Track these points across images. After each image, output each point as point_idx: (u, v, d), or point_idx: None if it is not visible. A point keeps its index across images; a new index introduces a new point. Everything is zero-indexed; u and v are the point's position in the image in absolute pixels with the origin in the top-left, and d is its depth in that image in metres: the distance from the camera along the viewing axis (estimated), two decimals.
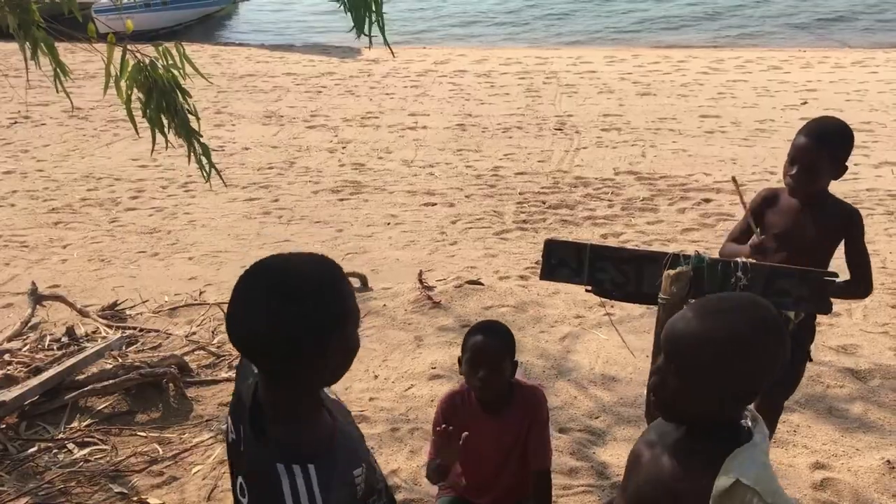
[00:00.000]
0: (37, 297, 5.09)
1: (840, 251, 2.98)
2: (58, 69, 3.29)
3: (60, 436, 3.82)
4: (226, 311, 1.44)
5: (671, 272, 2.71)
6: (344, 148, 9.45)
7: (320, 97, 12.21)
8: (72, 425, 3.92)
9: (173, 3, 19.01)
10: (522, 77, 13.07)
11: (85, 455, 3.70)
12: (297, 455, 1.39)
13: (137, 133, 3.52)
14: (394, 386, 4.28)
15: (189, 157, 3.58)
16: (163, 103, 3.32)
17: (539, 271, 2.97)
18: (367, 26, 2.95)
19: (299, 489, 1.36)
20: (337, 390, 1.58)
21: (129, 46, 3.30)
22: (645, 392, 3.21)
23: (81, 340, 4.70)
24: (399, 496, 3.36)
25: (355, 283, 5.48)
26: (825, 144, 2.79)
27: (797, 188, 2.85)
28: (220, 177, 3.75)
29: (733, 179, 3.17)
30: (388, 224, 6.97)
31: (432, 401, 4.09)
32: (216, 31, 20.79)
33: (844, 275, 2.95)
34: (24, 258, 6.42)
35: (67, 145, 9.91)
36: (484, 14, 21.04)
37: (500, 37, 18.40)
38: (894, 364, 4.33)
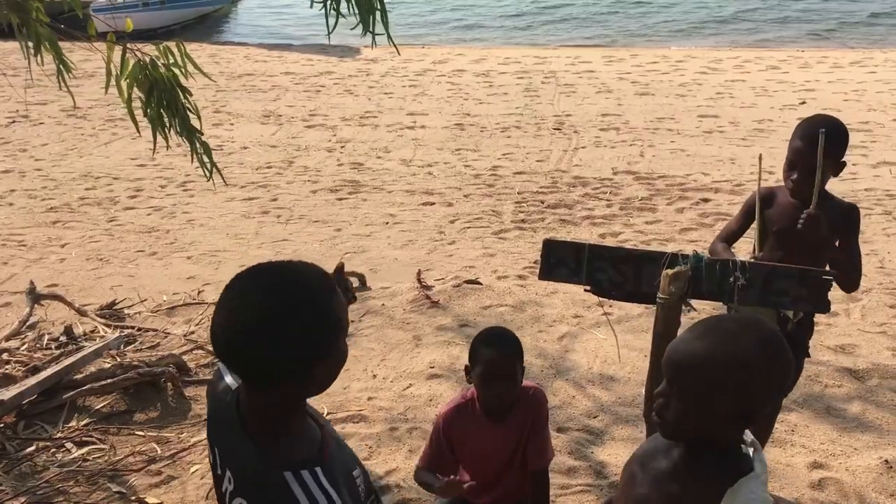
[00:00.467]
0: (35, 297, 5.08)
1: None
2: (61, 66, 3.28)
3: (58, 435, 3.82)
4: (214, 314, 1.38)
5: (669, 272, 2.71)
6: (342, 147, 9.45)
7: (319, 96, 12.20)
8: (70, 424, 3.92)
9: (171, 2, 18.99)
10: (521, 77, 13.07)
11: (83, 454, 3.70)
12: (300, 462, 1.37)
13: (139, 132, 3.51)
14: (392, 385, 4.28)
15: (191, 155, 3.57)
16: (164, 102, 3.31)
17: (538, 271, 2.98)
18: (371, 24, 2.96)
19: (314, 493, 1.33)
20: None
21: (128, 45, 3.29)
22: (643, 392, 3.21)
23: (80, 339, 4.70)
24: (398, 496, 3.37)
25: (354, 282, 5.48)
26: (826, 147, 2.79)
27: (800, 191, 2.85)
28: (221, 175, 3.75)
29: (759, 158, 3.10)
30: (387, 223, 6.97)
31: (431, 400, 4.10)
32: (214, 30, 20.77)
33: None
34: (22, 257, 6.41)
35: (66, 144, 9.90)
36: (483, 14, 21.04)
37: (499, 36, 18.40)
38: (892, 364, 4.33)
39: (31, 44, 3.17)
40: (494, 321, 4.94)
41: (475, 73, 13.45)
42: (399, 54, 3.40)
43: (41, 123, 10.93)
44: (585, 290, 2.94)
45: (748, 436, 1.60)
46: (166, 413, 4.07)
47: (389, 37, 3.05)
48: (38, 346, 4.63)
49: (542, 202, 7.28)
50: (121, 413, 4.06)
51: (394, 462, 3.59)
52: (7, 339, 4.68)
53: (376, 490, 1.64)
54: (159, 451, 3.73)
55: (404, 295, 5.35)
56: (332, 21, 2.97)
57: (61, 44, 3.31)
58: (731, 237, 3.10)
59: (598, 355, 4.51)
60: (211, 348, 4.64)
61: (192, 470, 3.60)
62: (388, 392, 4.21)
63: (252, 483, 1.38)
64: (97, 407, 4.07)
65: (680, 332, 2.75)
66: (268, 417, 1.41)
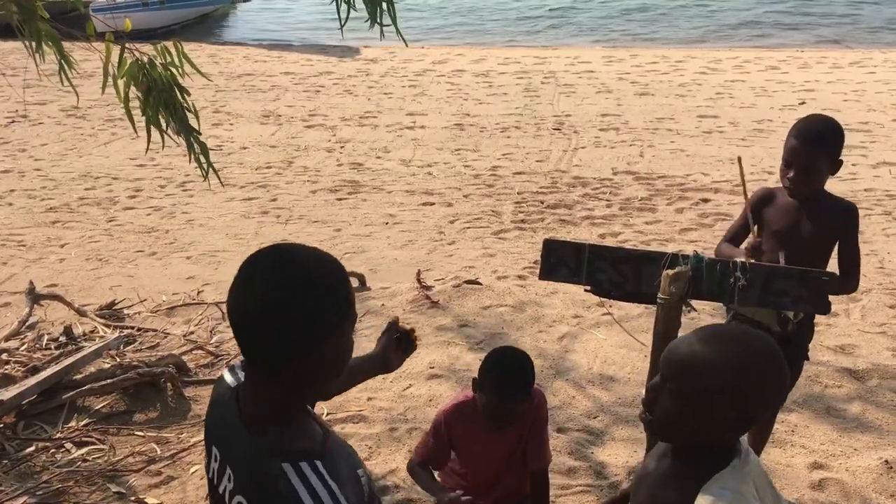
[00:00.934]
0: (34, 297, 5.08)
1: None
2: (63, 63, 3.27)
3: (58, 435, 3.82)
4: (233, 284, 1.36)
5: (670, 272, 2.71)
6: (342, 147, 9.45)
7: (318, 96, 12.20)
8: (69, 425, 3.91)
9: (171, 2, 18.98)
10: (521, 77, 13.07)
11: (83, 455, 3.70)
12: (299, 453, 1.34)
13: (136, 132, 3.51)
14: (392, 385, 4.27)
15: (189, 155, 3.57)
16: (162, 101, 3.31)
17: (537, 271, 2.98)
18: (378, 16, 2.96)
19: (313, 484, 1.30)
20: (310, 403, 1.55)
21: (126, 45, 3.29)
22: (643, 392, 3.22)
23: (79, 340, 4.70)
24: (398, 496, 3.36)
25: (354, 282, 5.48)
26: (820, 145, 2.79)
27: (797, 190, 2.85)
28: (218, 176, 3.74)
29: (739, 160, 3.14)
30: (387, 224, 6.97)
31: (431, 400, 4.10)
32: (214, 30, 20.77)
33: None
34: (21, 257, 6.41)
35: (65, 144, 9.89)
36: (483, 14, 21.04)
37: (499, 36, 18.39)
38: (892, 364, 4.33)
39: (32, 42, 3.16)
40: (494, 321, 4.94)
41: (475, 74, 13.45)
42: (406, 45, 3.41)
43: (40, 123, 10.92)
44: (585, 291, 2.94)
45: (742, 443, 1.60)
46: (166, 413, 4.07)
47: (397, 29, 3.05)
48: (37, 346, 4.63)
49: (542, 202, 7.28)
50: (120, 413, 4.06)
51: (394, 462, 3.59)
52: (6, 339, 4.67)
53: (378, 497, 1.63)
54: (159, 452, 3.73)
55: (404, 295, 5.35)
56: (342, 16, 2.97)
57: (62, 44, 3.31)
58: (734, 238, 3.10)
59: (598, 355, 4.51)
60: (210, 349, 4.66)
61: (192, 470, 3.60)
62: (387, 392, 4.20)
63: (250, 476, 1.35)
64: (97, 407, 4.07)
65: (680, 332, 2.76)
66: (271, 408, 1.39)
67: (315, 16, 20.63)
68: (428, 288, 5.40)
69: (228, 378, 1.54)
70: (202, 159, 3.54)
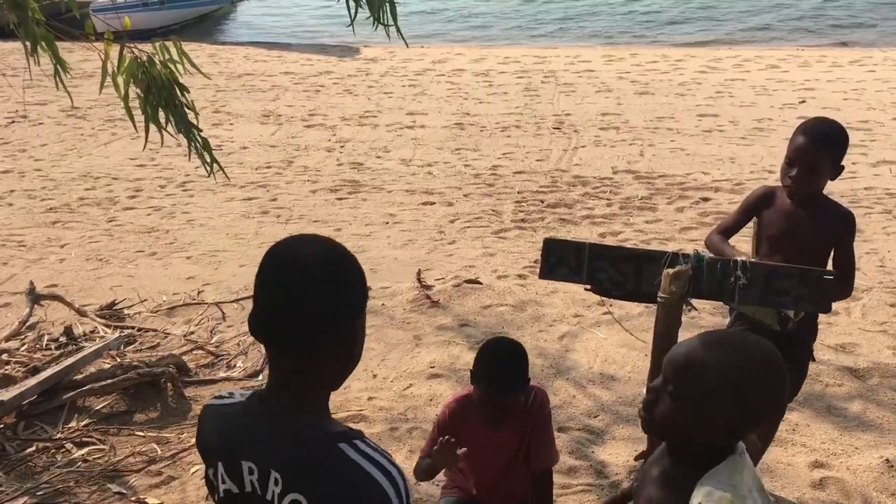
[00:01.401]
0: (35, 297, 5.08)
1: None
2: (58, 66, 3.28)
3: (58, 436, 3.82)
4: (265, 277, 1.37)
5: (670, 271, 2.71)
6: (342, 147, 9.44)
7: (318, 96, 12.20)
8: (70, 425, 3.91)
9: (171, 2, 18.99)
10: (521, 76, 13.07)
11: (83, 455, 3.70)
12: (345, 434, 1.36)
13: (136, 130, 3.50)
14: (392, 385, 4.27)
15: (189, 153, 3.57)
16: (162, 99, 3.31)
17: (538, 270, 2.97)
18: (381, 16, 2.96)
19: (371, 455, 1.32)
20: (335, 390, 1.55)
21: (126, 44, 3.29)
22: (644, 391, 3.21)
23: (79, 340, 4.70)
24: None
25: None
26: (826, 145, 2.78)
27: (797, 189, 2.83)
28: (223, 171, 3.73)
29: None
30: (387, 223, 6.97)
31: (431, 400, 4.10)
32: (214, 30, 20.77)
33: None
34: (21, 258, 6.41)
35: (65, 144, 9.89)
36: (482, 14, 21.02)
37: (499, 36, 18.38)
38: (893, 363, 4.33)
39: (28, 43, 3.16)
40: (495, 321, 4.94)
41: (475, 73, 13.44)
42: (407, 46, 3.42)
43: (40, 124, 10.93)
44: (586, 290, 2.94)
45: (739, 445, 1.61)
46: (166, 413, 4.07)
47: (398, 28, 3.05)
48: (37, 346, 4.63)
49: (542, 201, 7.28)
50: (121, 413, 4.05)
51: None
52: (7, 339, 4.67)
53: None
54: (159, 452, 3.73)
55: (404, 295, 5.35)
56: (351, 13, 2.98)
57: (60, 44, 3.31)
58: (726, 232, 3.08)
59: (599, 355, 4.51)
60: (211, 349, 4.66)
61: (192, 470, 3.60)
62: (388, 392, 4.20)
63: (307, 465, 1.34)
64: (97, 407, 4.06)
65: (681, 331, 2.75)
66: (307, 399, 1.39)
67: (313, 13, 20.64)
68: (428, 287, 5.40)
69: (238, 396, 1.51)
70: (205, 156, 3.54)
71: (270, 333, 1.37)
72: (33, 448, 3.72)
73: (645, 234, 6.41)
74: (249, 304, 5.26)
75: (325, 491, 1.31)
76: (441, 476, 2.75)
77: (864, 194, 7.05)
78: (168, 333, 4.90)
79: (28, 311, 4.97)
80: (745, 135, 9.24)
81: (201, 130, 3.54)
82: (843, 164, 2.86)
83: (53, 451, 3.73)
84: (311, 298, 1.34)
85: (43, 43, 3.18)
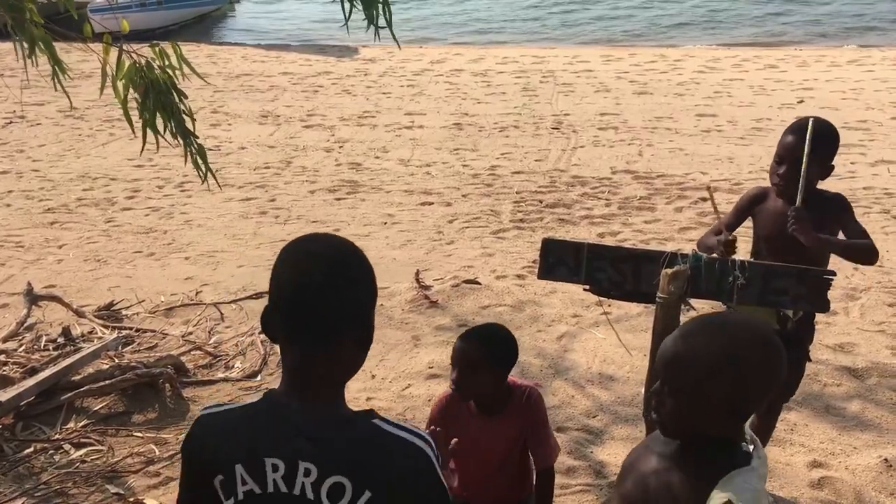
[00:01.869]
0: (32, 298, 5.07)
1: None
2: (56, 67, 3.27)
3: (56, 436, 3.81)
4: (289, 271, 1.42)
5: (669, 271, 2.70)
6: (341, 147, 9.44)
7: (317, 96, 12.20)
8: (68, 426, 3.90)
9: (169, 2, 18.99)
10: (519, 76, 13.07)
11: (81, 456, 3.69)
12: (371, 412, 1.41)
13: (134, 133, 3.50)
14: (391, 385, 4.27)
15: (185, 158, 3.57)
16: (160, 104, 3.30)
17: (536, 270, 2.97)
18: (376, 18, 2.96)
19: (403, 424, 1.39)
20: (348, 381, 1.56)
21: (125, 46, 3.28)
22: (643, 391, 3.21)
23: (77, 341, 4.69)
24: None
25: None
26: (815, 143, 2.77)
27: (786, 187, 2.83)
28: (216, 178, 3.74)
29: (708, 188, 3.16)
30: (385, 223, 6.96)
31: (429, 400, 4.09)
32: (212, 30, 20.77)
33: (841, 272, 2.94)
34: (19, 258, 6.40)
35: (63, 145, 9.88)
36: (482, 14, 21.03)
37: (499, 35, 18.39)
38: (891, 362, 4.33)
39: (25, 45, 3.16)
40: (493, 321, 4.93)
41: (473, 73, 13.45)
42: (400, 48, 3.44)
43: (38, 124, 10.92)
44: (584, 290, 2.94)
45: (748, 432, 1.61)
46: (164, 414, 4.06)
47: (392, 33, 3.05)
48: (35, 347, 4.62)
49: (541, 202, 7.28)
50: (119, 414, 4.05)
51: None
52: (5, 340, 4.67)
53: None
54: (157, 453, 3.72)
55: (403, 295, 5.35)
56: (345, 17, 2.97)
57: (58, 45, 3.30)
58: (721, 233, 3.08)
59: (598, 355, 4.51)
60: (209, 349, 4.65)
61: None
62: (386, 392, 4.20)
63: (349, 446, 1.37)
64: (95, 408, 4.06)
65: None
66: (331, 386, 1.43)
67: (313, 13, 20.63)
68: (427, 288, 5.40)
69: (231, 405, 1.51)
70: (199, 162, 3.54)
71: (297, 332, 1.41)
72: (31, 449, 3.71)
73: (643, 234, 6.41)
74: (248, 305, 5.29)
75: (376, 463, 1.35)
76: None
77: (863, 194, 7.05)
78: (166, 334, 4.90)
79: (26, 311, 4.97)
80: (744, 135, 9.24)
81: (198, 137, 3.54)
82: (833, 163, 2.86)
83: (51, 451, 3.72)
84: (338, 295, 1.42)
85: (41, 44, 3.17)
